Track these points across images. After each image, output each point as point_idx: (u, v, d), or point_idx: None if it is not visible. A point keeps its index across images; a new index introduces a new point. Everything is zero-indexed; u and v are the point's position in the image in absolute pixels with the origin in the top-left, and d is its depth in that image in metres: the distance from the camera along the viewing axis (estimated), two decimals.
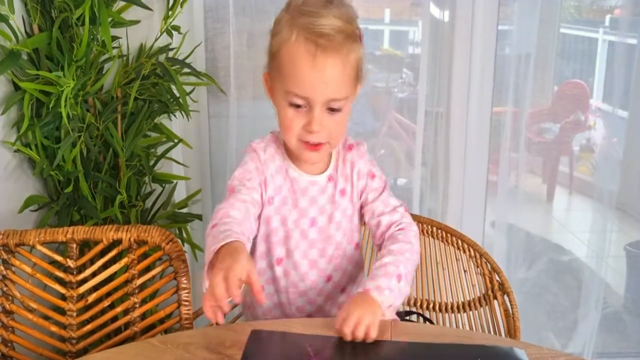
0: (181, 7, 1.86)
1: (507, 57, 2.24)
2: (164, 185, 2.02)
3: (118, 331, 1.46)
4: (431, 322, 1.66)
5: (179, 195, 2.11)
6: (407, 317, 1.69)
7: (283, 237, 1.33)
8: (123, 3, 1.82)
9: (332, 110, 1.22)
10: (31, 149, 1.70)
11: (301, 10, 1.20)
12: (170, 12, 1.85)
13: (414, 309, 1.73)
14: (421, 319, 1.66)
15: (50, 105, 1.64)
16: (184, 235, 2.04)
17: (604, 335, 2.44)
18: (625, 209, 2.48)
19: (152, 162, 1.94)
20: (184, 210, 2.10)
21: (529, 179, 2.47)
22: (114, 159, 1.86)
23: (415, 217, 1.62)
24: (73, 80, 1.64)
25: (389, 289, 1.20)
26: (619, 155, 2.31)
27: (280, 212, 1.32)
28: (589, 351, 2.42)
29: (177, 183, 2.05)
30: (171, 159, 1.99)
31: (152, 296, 1.46)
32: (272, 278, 1.35)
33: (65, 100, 1.62)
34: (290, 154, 1.33)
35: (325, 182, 1.35)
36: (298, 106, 1.21)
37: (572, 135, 2.75)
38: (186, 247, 2.07)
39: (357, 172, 1.36)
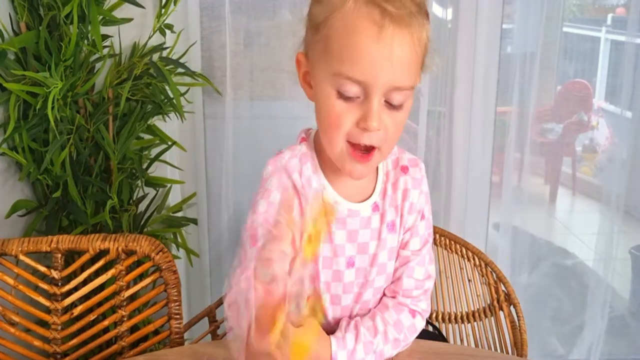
0: (175, 4, 1.80)
1: (510, 56, 2.19)
2: (157, 188, 1.96)
3: (105, 346, 1.40)
4: (435, 327, 1.61)
5: (174, 199, 2.05)
6: None
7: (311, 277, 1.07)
8: (114, 0, 1.76)
9: (392, 105, 0.95)
10: (18, 153, 1.64)
11: None
12: (163, 10, 1.79)
13: None
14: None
15: (38, 107, 1.58)
16: (179, 239, 1.98)
17: (610, 340, 2.39)
18: (629, 211, 2.43)
19: (145, 165, 1.88)
20: (179, 214, 2.04)
21: (532, 180, 2.42)
22: (105, 162, 1.80)
23: None
24: (61, 80, 1.58)
25: None
26: (622, 156, 2.27)
27: None
28: (595, 357, 2.37)
29: (171, 186, 1.99)
30: (165, 161, 1.93)
31: (141, 309, 1.40)
32: None
33: (53, 102, 1.56)
34: (325, 167, 1.07)
35: (370, 213, 1.08)
36: (349, 97, 0.94)
37: (575, 136, 2.70)
38: (181, 252, 2.02)
39: (410, 206, 1.10)
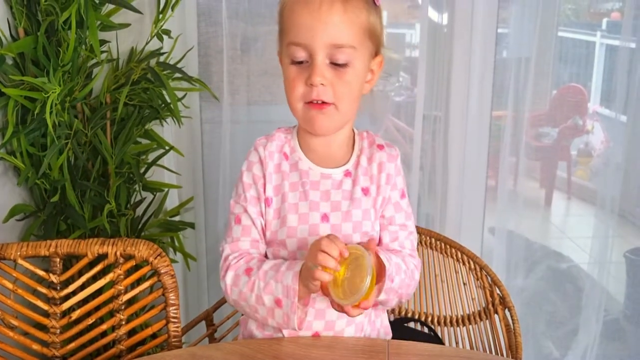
0: (172, 10, 1.81)
1: (506, 61, 2.20)
2: (155, 193, 1.97)
3: (103, 349, 1.41)
4: (431, 328, 1.62)
5: (171, 203, 2.06)
6: (406, 324, 1.65)
7: (286, 234, 1.19)
8: (112, 6, 1.76)
9: (337, 64, 1.12)
10: (16, 157, 1.64)
11: None
12: (160, 16, 1.80)
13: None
14: (419, 325, 1.63)
15: (36, 112, 1.59)
16: (176, 243, 1.99)
17: (605, 344, 2.40)
18: (624, 215, 2.43)
19: (142, 170, 1.89)
20: (176, 219, 2.05)
21: (527, 184, 2.42)
22: (102, 167, 1.80)
23: None
24: (59, 85, 1.59)
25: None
26: (617, 160, 2.28)
27: (286, 208, 1.19)
28: None
29: (168, 191, 2.00)
30: (162, 166, 1.94)
31: (139, 313, 1.40)
32: None
33: (51, 107, 1.57)
34: (303, 144, 1.23)
35: (341, 177, 1.22)
36: (300, 62, 1.13)
37: (570, 140, 2.71)
38: (178, 256, 2.03)
39: (387, 176, 1.23)
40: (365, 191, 1.22)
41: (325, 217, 1.19)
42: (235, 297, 1.17)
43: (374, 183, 1.22)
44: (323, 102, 1.14)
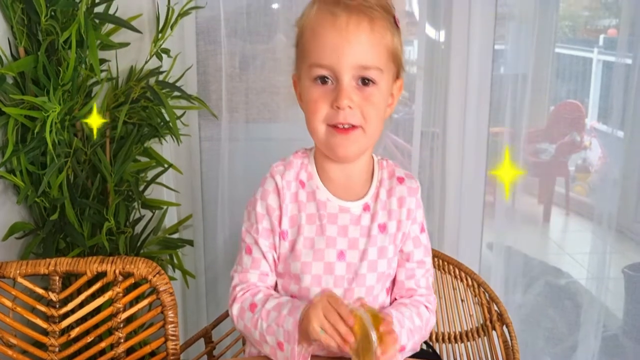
0: (171, 29, 1.82)
1: (503, 77, 2.21)
2: (154, 210, 1.97)
3: None
4: (429, 345, 1.62)
5: (170, 220, 2.06)
6: None
7: (300, 269, 1.15)
8: (112, 26, 1.78)
9: (363, 86, 1.07)
10: (15, 175, 1.65)
11: None
12: (160, 35, 1.82)
13: None
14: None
15: (36, 131, 1.60)
16: (175, 261, 1.99)
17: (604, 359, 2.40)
18: (622, 230, 2.44)
19: (141, 188, 1.89)
20: (175, 236, 2.06)
21: (525, 200, 2.43)
22: (102, 185, 1.81)
23: None
24: (59, 104, 1.60)
25: None
26: (614, 175, 2.28)
27: (302, 242, 1.15)
28: None
29: (167, 208, 2.00)
30: (161, 184, 1.94)
31: (138, 331, 1.41)
32: None
33: (51, 126, 1.58)
34: (320, 171, 1.18)
35: (360, 212, 1.17)
36: (324, 82, 1.07)
37: (568, 156, 2.72)
38: (177, 274, 2.03)
39: (407, 212, 1.18)
40: (382, 228, 1.17)
41: (341, 255, 1.15)
42: (241, 328, 1.16)
43: (393, 219, 1.18)
44: (352, 126, 1.08)
